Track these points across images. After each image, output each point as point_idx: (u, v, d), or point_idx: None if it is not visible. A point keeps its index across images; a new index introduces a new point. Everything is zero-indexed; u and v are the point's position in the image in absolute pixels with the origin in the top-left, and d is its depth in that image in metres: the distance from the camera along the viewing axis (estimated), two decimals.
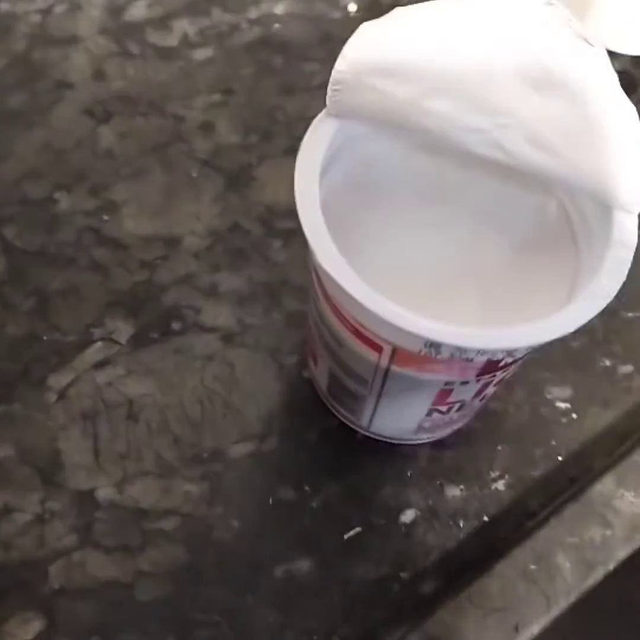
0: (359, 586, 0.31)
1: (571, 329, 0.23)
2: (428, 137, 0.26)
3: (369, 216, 0.27)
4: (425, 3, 0.27)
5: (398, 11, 0.27)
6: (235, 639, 0.30)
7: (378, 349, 0.26)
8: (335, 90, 0.27)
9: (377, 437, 0.33)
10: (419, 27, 0.27)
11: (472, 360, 0.24)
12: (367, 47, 0.27)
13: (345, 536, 0.32)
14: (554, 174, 0.24)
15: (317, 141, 0.26)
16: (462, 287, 0.27)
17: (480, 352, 0.24)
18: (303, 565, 0.31)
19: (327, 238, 0.24)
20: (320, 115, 0.27)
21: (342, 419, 0.33)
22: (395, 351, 0.25)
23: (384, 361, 0.26)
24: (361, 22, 0.45)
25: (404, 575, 0.31)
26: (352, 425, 0.33)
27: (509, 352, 0.24)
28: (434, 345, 0.23)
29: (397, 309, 0.23)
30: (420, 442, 0.33)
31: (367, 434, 0.33)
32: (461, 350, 0.23)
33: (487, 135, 0.25)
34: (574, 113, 0.25)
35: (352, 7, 0.44)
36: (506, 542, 0.31)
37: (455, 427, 0.33)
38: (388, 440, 0.33)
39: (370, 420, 0.32)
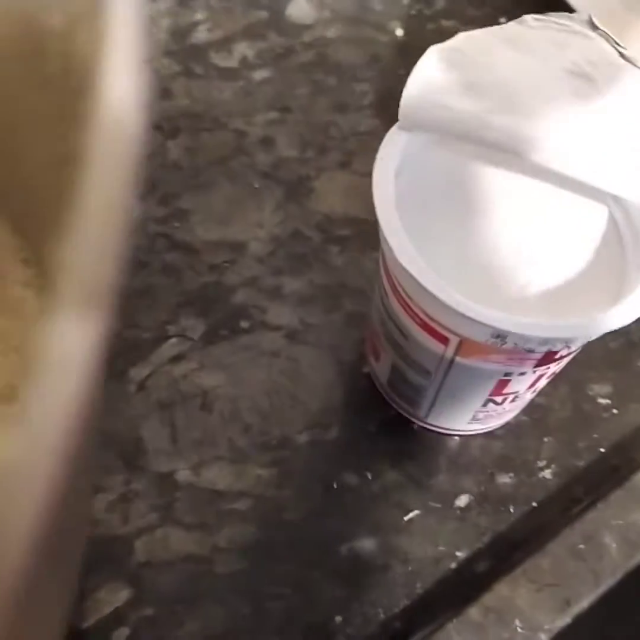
0: (418, 563, 0.33)
1: (627, 322, 0.26)
2: (490, 148, 0.28)
3: (432, 218, 0.30)
4: (488, 29, 0.30)
5: (463, 35, 0.30)
6: (304, 609, 0.32)
7: (445, 340, 0.28)
8: (407, 106, 0.29)
9: (432, 428, 0.36)
10: (483, 49, 0.29)
11: (533, 350, 0.27)
12: (436, 67, 0.29)
13: (405, 518, 0.34)
14: (603, 183, 0.27)
15: (391, 151, 0.29)
16: (518, 284, 0.30)
17: (543, 342, 0.26)
18: (366, 543, 0.33)
19: (403, 236, 0.26)
20: (393, 128, 0.29)
21: (399, 410, 0.36)
22: (461, 342, 0.28)
23: (450, 352, 0.29)
24: (407, 45, 0.48)
25: (459, 554, 0.34)
26: (409, 416, 0.36)
27: (567, 343, 0.27)
28: (501, 336, 0.26)
29: (468, 302, 0.26)
30: (472, 433, 0.36)
31: (423, 424, 0.36)
32: (525, 339, 0.26)
33: (544, 146, 0.28)
34: (621, 128, 0.28)
35: (399, 31, 0.47)
36: (554, 525, 0.33)
37: (505, 420, 0.36)
38: (442, 431, 0.36)
39: (429, 411, 0.34)
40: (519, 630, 0.31)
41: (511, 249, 0.30)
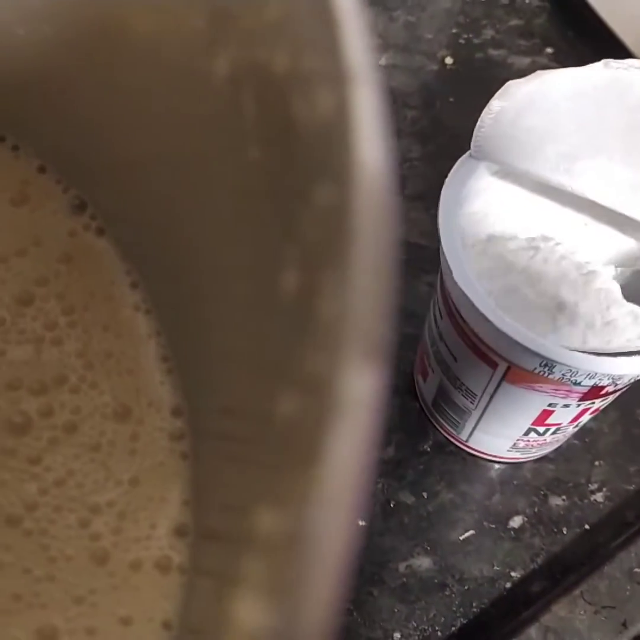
0: (474, 583, 0.34)
1: None
2: (562, 190, 0.29)
3: (495, 245, 0.31)
4: (564, 69, 0.31)
5: (539, 73, 0.31)
6: (364, 625, 0.33)
7: (493, 365, 0.29)
8: (479, 137, 0.30)
9: (472, 451, 0.36)
10: (559, 88, 0.30)
11: (579, 383, 0.28)
12: (511, 102, 0.30)
13: (460, 537, 0.35)
14: None
15: (459, 178, 0.30)
16: (572, 316, 0.31)
17: (590, 376, 0.27)
18: (423, 562, 0.34)
19: (464, 263, 0.27)
20: (463, 157, 0.30)
21: (441, 431, 0.37)
22: (509, 368, 0.29)
23: (497, 377, 0.30)
24: (456, 73, 0.49)
25: (514, 574, 0.34)
26: (450, 438, 0.36)
27: (614, 380, 0.28)
28: (548, 365, 0.27)
29: (519, 328, 0.26)
30: (510, 461, 0.37)
31: (463, 447, 0.36)
32: (572, 371, 0.27)
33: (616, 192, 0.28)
34: None
35: (449, 60, 0.48)
36: (607, 548, 0.34)
37: (544, 451, 0.36)
38: (481, 456, 0.36)
39: (470, 434, 0.35)
40: None
41: (570, 281, 0.31)
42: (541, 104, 0.30)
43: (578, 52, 0.47)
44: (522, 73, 0.30)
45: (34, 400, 0.20)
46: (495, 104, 0.30)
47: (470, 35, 0.49)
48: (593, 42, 0.47)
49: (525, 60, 0.48)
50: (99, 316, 0.22)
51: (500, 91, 0.30)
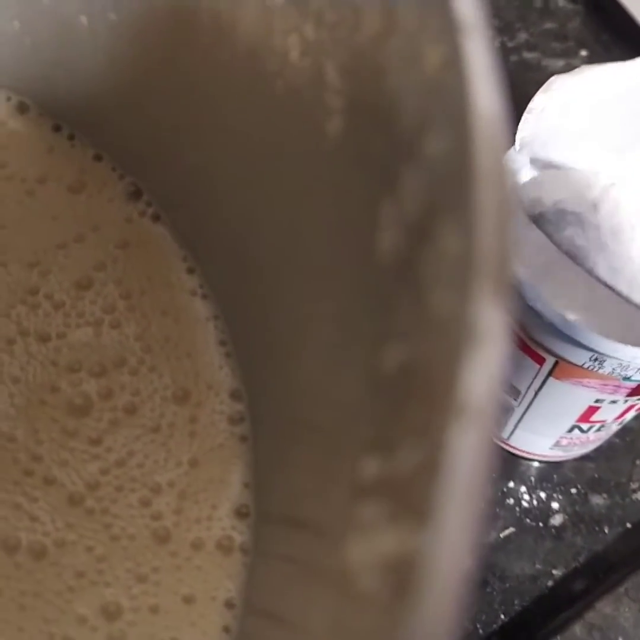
0: (515, 581, 0.34)
1: None
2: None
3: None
4: (609, 64, 0.31)
5: (584, 68, 0.31)
6: None
7: (540, 360, 0.29)
8: (524, 132, 0.30)
9: (512, 450, 0.36)
10: (604, 83, 0.30)
11: (629, 378, 0.28)
12: (555, 97, 0.30)
13: (501, 535, 0.35)
14: None
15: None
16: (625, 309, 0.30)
17: None
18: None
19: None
20: (508, 152, 0.30)
21: None
22: (557, 363, 0.29)
23: (543, 373, 0.30)
24: None
25: (556, 572, 0.34)
26: None
27: None
28: (599, 359, 0.27)
29: (571, 321, 0.26)
30: (551, 459, 0.36)
31: (504, 446, 0.36)
32: (623, 366, 0.27)
33: None
34: None
35: None
36: None
37: (586, 450, 0.36)
38: (521, 454, 0.36)
39: (512, 433, 0.35)
40: None
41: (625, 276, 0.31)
42: (586, 99, 0.29)
43: (613, 55, 0.47)
44: (559, 74, 0.30)
45: (94, 382, 0.20)
46: (539, 99, 0.30)
47: (505, 39, 0.49)
48: (628, 44, 0.47)
49: (560, 63, 0.48)
50: (157, 301, 0.22)
51: (543, 87, 0.30)
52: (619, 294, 0.25)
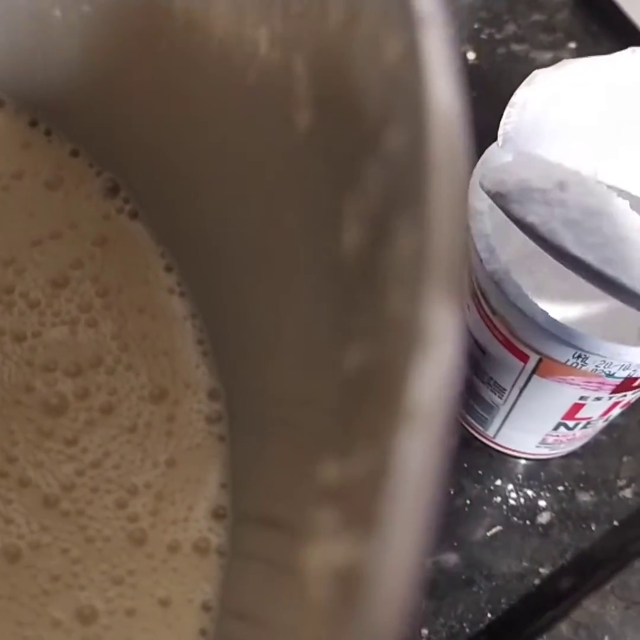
0: (502, 579, 0.34)
1: None
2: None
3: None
4: (592, 57, 0.30)
5: (566, 62, 0.30)
6: None
7: (524, 358, 0.29)
8: (507, 127, 0.30)
9: (499, 448, 0.36)
10: (587, 76, 0.30)
11: (613, 375, 0.28)
12: (538, 91, 0.30)
13: (488, 533, 0.34)
14: None
15: (488, 168, 0.29)
16: (605, 307, 0.30)
17: (624, 366, 0.27)
18: (450, 558, 0.34)
19: (494, 247, 0.27)
20: (490, 148, 0.30)
21: (467, 427, 0.36)
22: (541, 360, 0.28)
23: (527, 370, 0.29)
24: (478, 68, 0.49)
25: (543, 570, 0.34)
26: (476, 435, 0.36)
27: None
28: (582, 356, 0.27)
29: (554, 319, 0.26)
30: (538, 457, 0.36)
31: (490, 444, 0.36)
32: (606, 363, 0.27)
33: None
34: None
35: (471, 55, 0.48)
36: (636, 544, 0.34)
37: (573, 447, 0.36)
38: (508, 453, 0.36)
39: (498, 430, 0.35)
40: None
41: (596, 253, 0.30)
42: (569, 93, 0.29)
43: (601, 47, 0.47)
44: (544, 68, 0.30)
45: (70, 382, 0.20)
46: (522, 93, 0.30)
47: (493, 31, 0.48)
48: (616, 36, 0.47)
49: (548, 55, 0.48)
50: (134, 298, 0.21)
51: (526, 80, 0.30)
52: (588, 269, 0.24)
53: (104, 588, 0.18)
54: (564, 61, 0.31)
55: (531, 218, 0.24)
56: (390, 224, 0.10)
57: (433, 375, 0.08)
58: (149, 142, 0.22)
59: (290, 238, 0.15)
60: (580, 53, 0.48)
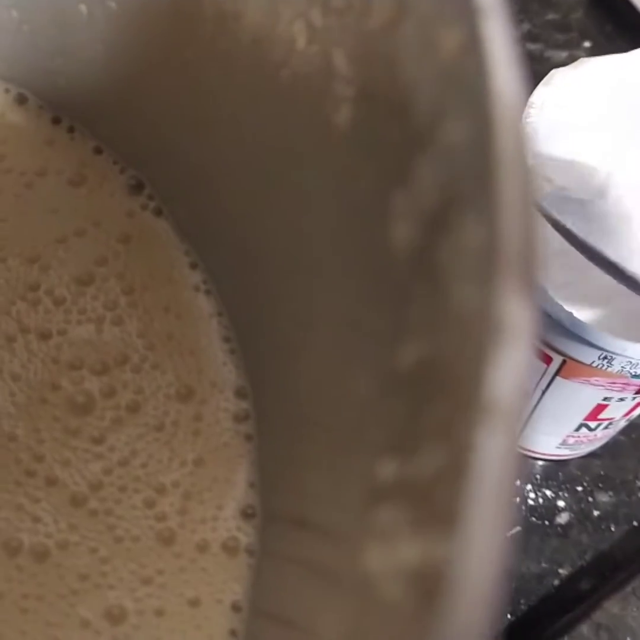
0: (521, 580, 0.33)
1: None
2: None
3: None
4: (610, 56, 0.30)
5: (584, 60, 0.30)
6: None
7: (547, 359, 0.29)
8: (525, 124, 0.30)
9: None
10: (605, 75, 0.30)
11: (638, 375, 0.27)
12: (556, 90, 0.30)
13: (507, 534, 0.34)
14: None
15: None
16: (630, 308, 0.30)
17: None
18: None
19: None
20: None
21: None
22: (564, 362, 0.28)
23: (550, 372, 0.29)
24: None
25: (562, 571, 0.34)
26: None
27: None
28: (608, 358, 0.26)
29: (580, 320, 0.26)
30: (558, 458, 0.36)
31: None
32: (633, 364, 0.26)
33: None
34: None
35: None
36: None
37: (593, 448, 0.36)
38: (528, 454, 0.36)
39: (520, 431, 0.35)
40: None
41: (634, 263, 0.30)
42: (587, 92, 0.29)
43: (616, 46, 0.47)
44: (559, 67, 0.30)
45: (96, 380, 0.20)
46: (540, 93, 0.30)
47: None
48: (631, 35, 0.47)
49: (563, 54, 0.48)
50: (159, 297, 0.21)
51: (544, 80, 0.30)
52: (628, 278, 0.24)
53: (133, 588, 0.17)
54: (581, 60, 0.31)
55: (570, 225, 0.24)
56: (452, 220, 0.09)
57: (511, 370, 0.08)
58: (173, 139, 0.22)
59: (324, 235, 0.15)
60: (594, 52, 0.48)
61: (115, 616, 0.17)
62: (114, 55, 0.21)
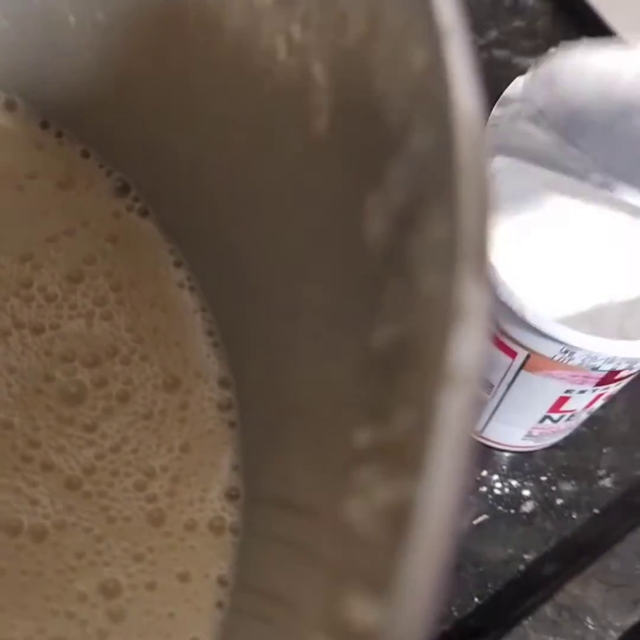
0: (488, 565, 0.35)
1: None
2: (566, 174, 0.30)
3: (509, 237, 0.32)
4: (585, 51, 0.32)
5: (556, 56, 0.32)
6: None
7: (512, 354, 0.30)
8: (493, 127, 0.31)
9: (485, 442, 0.37)
10: (574, 74, 0.31)
11: (597, 368, 0.29)
12: (520, 93, 0.31)
13: (475, 522, 0.36)
14: None
15: None
16: (590, 303, 0.32)
17: (608, 360, 0.28)
18: None
19: None
20: None
21: None
22: (529, 357, 0.30)
23: (515, 366, 0.31)
24: None
25: (527, 557, 0.35)
26: None
27: (631, 364, 0.29)
28: (569, 351, 0.28)
29: (542, 316, 0.27)
30: (524, 450, 0.38)
31: (477, 438, 0.37)
32: (592, 357, 0.28)
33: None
34: None
35: None
36: (616, 531, 0.35)
37: (557, 439, 0.37)
38: (495, 446, 0.37)
39: (485, 425, 0.36)
40: (591, 627, 0.32)
41: (585, 268, 0.32)
42: (548, 93, 0.31)
43: None
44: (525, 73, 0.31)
45: (87, 371, 0.21)
46: (506, 96, 0.31)
47: (475, 36, 0.50)
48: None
49: (529, 61, 0.49)
50: (146, 293, 0.22)
51: (513, 83, 0.32)
52: None
53: (126, 564, 0.19)
54: (553, 50, 0.32)
55: None
56: (419, 217, 0.11)
57: (469, 343, 0.09)
58: (159, 142, 0.23)
59: (304, 234, 0.17)
60: None
61: (110, 590, 0.18)
62: (101, 63, 0.23)
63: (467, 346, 0.09)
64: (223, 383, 0.21)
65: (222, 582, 0.19)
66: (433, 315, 0.10)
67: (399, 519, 0.09)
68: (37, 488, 0.19)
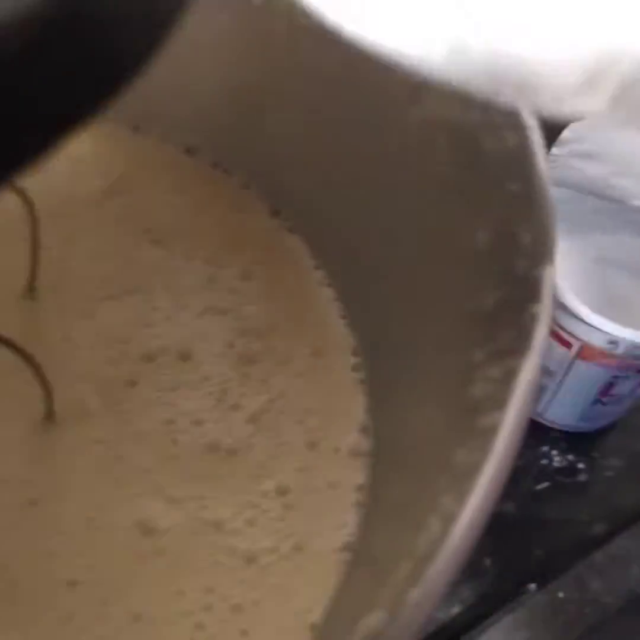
0: (549, 524, 0.42)
1: None
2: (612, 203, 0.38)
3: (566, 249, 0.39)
4: None
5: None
6: None
7: (568, 345, 0.38)
8: (552, 163, 0.39)
9: (545, 423, 0.45)
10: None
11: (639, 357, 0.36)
12: (576, 134, 0.39)
13: (537, 487, 0.43)
14: None
15: None
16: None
17: None
18: (508, 507, 0.43)
19: None
20: None
21: None
22: (582, 347, 0.37)
23: (571, 355, 0.38)
24: None
25: (582, 518, 0.42)
26: None
27: None
28: (614, 342, 0.35)
29: (591, 312, 0.35)
30: (579, 431, 0.45)
31: (539, 420, 0.45)
32: (634, 346, 0.36)
33: None
34: None
35: None
36: None
37: (608, 420, 0.45)
38: (555, 427, 0.45)
39: (547, 408, 0.43)
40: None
41: (627, 275, 0.39)
42: (593, 135, 0.38)
43: None
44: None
45: (259, 342, 0.29)
46: (565, 136, 0.39)
47: None
48: None
49: None
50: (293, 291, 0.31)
51: (571, 125, 0.39)
52: None
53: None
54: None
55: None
56: (513, 229, 0.19)
57: (544, 313, 0.17)
58: (314, 179, 0.31)
59: (425, 248, 0.25)
60: None
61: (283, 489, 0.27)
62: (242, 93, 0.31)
63: (542, 315, 0.17)
64: (354, 352, 0.30)
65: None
66: (522, 289, 0.18)
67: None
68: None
